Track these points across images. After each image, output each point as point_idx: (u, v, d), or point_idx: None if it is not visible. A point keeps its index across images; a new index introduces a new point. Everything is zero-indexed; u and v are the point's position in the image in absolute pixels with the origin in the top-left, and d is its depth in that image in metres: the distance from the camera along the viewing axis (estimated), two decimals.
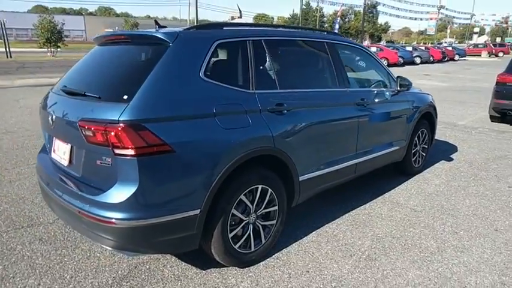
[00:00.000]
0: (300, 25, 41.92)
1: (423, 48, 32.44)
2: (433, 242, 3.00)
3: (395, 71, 5.34)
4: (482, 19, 73.34)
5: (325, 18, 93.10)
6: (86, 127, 2.08)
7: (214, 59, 2.41)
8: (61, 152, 2.49)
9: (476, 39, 69.59)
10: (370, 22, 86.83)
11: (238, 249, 2.51)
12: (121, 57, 2.63)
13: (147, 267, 2.60)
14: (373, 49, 25.28)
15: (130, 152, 1.97)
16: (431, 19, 50.60)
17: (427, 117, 4.55)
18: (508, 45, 46.68)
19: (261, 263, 2.66)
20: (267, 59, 2.70)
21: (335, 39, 3.41)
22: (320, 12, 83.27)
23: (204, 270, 2.56)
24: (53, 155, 2.62)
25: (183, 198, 2.17)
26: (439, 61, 31.38)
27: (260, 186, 2.54)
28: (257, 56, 2.63)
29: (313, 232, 3.12)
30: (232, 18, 28.05)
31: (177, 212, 2.14)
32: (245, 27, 2.88)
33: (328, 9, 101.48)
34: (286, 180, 2.75)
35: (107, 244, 2.16)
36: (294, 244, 2.92)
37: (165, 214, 2.10)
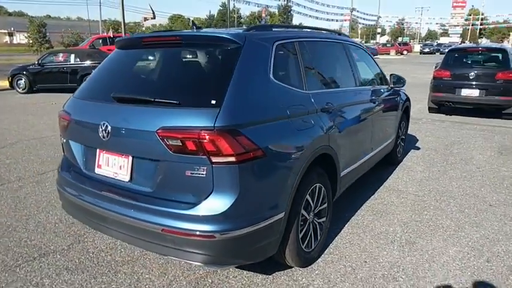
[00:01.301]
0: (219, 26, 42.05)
1: None
2: (449, 221, 3.37)
3: None
4: (387, 20, 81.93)
5: (242, 19, 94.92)
6: (172, 136, 1.94)
7: (275, 61, 2.41)
8: (115, 166, 2.26)
9: (378, 39, 77.52)
10: (285, 23, 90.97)
11: (304, 249, 2.55)
12: (181, 60, 2.51)
13: (210, 281, 2.49)
14: None
15: (231, 159, 1.90)
16: (345, 20, 55.21)
17: (406, 111, 5.05)
18: (410, 44, 53.20)
19: (319, 260, 2.73)
20: (311, 60, 2.78)
21: (347, 40, 3.64)
22: (237, 13, 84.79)
23: (269, 275, 2.54)
24: (98, 171, 2.35)
25: (272, 202, 2.16)
26: None
27: (318, 185, 2.61)
28: (304, 56, 2.69)
29: (346, 224, 3.28)
30: (145, 19, 26.70)
31: (269, 217, 2.12)
32: (285, 28, 2.93)
33: (245, 11, 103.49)
34: (332, 177, 2.86)
35: (197, 260, 2.05)
36: (336, 238, 3.05)
37: (260, 220, 2.06)
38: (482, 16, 75.95)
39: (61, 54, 12.90)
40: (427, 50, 51.11)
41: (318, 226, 2.72)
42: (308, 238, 2.59)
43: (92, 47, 16.56)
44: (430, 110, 8.89)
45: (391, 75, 4.36)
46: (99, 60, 12.13)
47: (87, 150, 2.45)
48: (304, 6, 49.69)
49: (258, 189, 2.07)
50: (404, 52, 48.48)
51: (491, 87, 7.78)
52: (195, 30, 2.64)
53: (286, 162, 2.22)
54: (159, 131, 1.97)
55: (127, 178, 2.22)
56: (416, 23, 77.69)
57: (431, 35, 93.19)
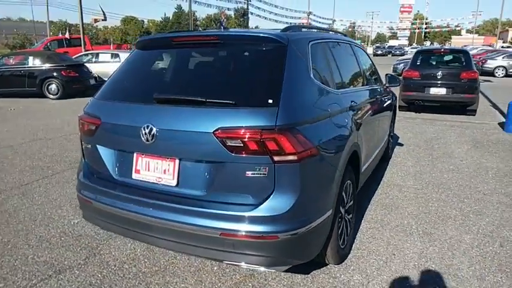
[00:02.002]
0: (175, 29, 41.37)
1: None
2: (454, 211, 3.57)
3: None
4: (341, 24, 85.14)
5: (198, 22, 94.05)
6: (231, 136, 1.89)
7: (312, 60, 2.40)
8: (158, 171, 2.15)
9: None
10: (242, 26, 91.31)
11: (341, 246, 2.57)
12: (224, 60, 2.47)
13: (250, 285, 2.43)
14: None
15: (293, 157, 1.89)
16: (303, 23, 56.51)
17: (394, 109, 5.28)
18: (364, 47, 55.50)
19: (350, 256, 2.77)
20: (334, 60, 2.83)
21: (352, 41, 3.74)
22: (194, 15, 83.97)
23: (308, 274, 2.54)
24: (136, 176, 2.23)
25: (324, 200, 2.16)
26: None
27: (348, 181, 2.66)
28: (329, 56, 2.74)
29: (362, 220, 3.36)
30: (95, 20, 25.49)
31: (322, 215, 2.13)
32: (309, 29, 2.96)
33: (200, 13, 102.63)
34: (356, 173, 2.92)
35: (257, 263, 2.01)
36: (358, 234, 3.11)
37: (316, 218, 2.07)
38: (427, 21, 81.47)
39: (13, 57, 12.02)
40: (379, 52, 53.83)
41: (348, 222, 2.76)
42: (343, 235, 2.63)
43: (46, 48, 15.60)
44: (400, 108, 9.32)
45: (386, 75, 4.54)
46: (60, 63, 11.48)
47: (120, 155, 2.31)
48: (264, 10, 49.85)
49: (314, 187, 2.07)
50: None
51: (457, 86, 8.35)
52: (233, 30, 2.60)
53: (333, 160, 2.25)
54: (217, 132, 1.92)
55: (174, 182, 2.13)
56: (369, 26, 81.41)
57: (380, 38, 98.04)
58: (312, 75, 2.29)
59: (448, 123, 7.84)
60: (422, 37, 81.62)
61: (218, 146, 1.93)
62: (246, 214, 1.93)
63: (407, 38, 72.45)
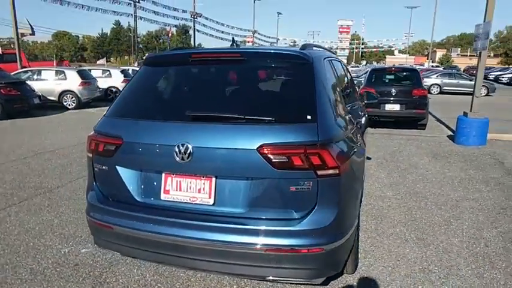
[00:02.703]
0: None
1: None
2: (437, 217, 3.92)
3: None
4: (284, 43, 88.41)
5: (139, 39, 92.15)
6: (276, 152, 1.96)
7: (328, 76, 2.55)
8: (191, 190, 2.14)
9: None
10: (184, 43, 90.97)
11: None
12: (251, 76, 2.50)
13: None
14: None
15: (334, 171, 1.99)
16: (248, 42, 57.96)
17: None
18: None
19: (360, 265, 2.92)
20: (336, 76, 3.04)
21: (340, 59, 4.02)
22: (133, 32, 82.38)
23: (326, 285, 2.65)
24: (166, 197, 2.19)
25: (354, 211, 2.31)
26: None
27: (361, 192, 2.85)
28: (335, 73, 2.94)
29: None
30: (22, 34, 23.94)
31: (353, 225, 2.26)
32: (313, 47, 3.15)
33: (141, 30, 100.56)
34: None
35: (301, 276, 2.10)
36: (359, 244, 3.30)
37: (349, 229, 2.20)
38: (363, 41, 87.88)
39: None
40: None
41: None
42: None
43: None
44: None
45: (365, 92, 4.91)
46: None
47: (146, 175, 2.25)
48: (211, 27, 50.33)
49: (348, 199, 2.20)
50: None
51: (409, 102, 9.15)
52: (254, 47, 2.69)
53: (358, 173, 2.43)
54: (260, 148, 1.97)
55: (211, 201, 2.12)
56: None
57: None
58: (332, 92, 2.46)
59: (404, 137, 8.52)
60: (360, 56, 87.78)
61: (261, 162, 1.97)
62: (292, 228, 1.99)
63: (346, 57, 77.48)
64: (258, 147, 1.98)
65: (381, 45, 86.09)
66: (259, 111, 2.15)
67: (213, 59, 2.53)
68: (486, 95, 20.85)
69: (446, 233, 3.54)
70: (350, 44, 78.70)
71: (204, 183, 2.12)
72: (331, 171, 1.99)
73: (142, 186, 2.26)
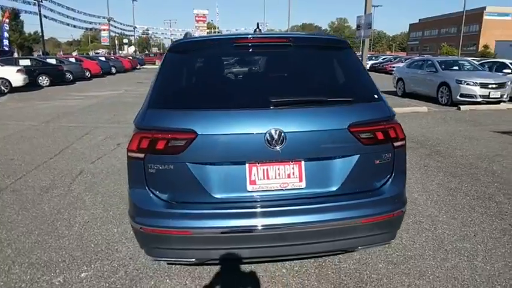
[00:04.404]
0: None
1: (114, 58, 33.58)
2: (423, 218, 4.45)
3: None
4: (138, 31, 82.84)
5: None
6: (364, 130, 2.11)
7: None
8: (281, 176, 2.11)
9: (127, 50, 78.31)
10: (16, 31, 77.18)
11: None
12: (307, 61, 2.52)
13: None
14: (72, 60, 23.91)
15: (403, 142, 2.24)
16: (104, 30, 52.33)
17: None
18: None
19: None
20: None
21: None
22: None
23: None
24: (252, 188, 2.09)
25: None
26: (129, 70, 33.78)
27: None
28: None
29: None
30: None
31: None
32: None
33: None
34: None
35: (385, 240, 2.35)
36: None
37: None
38: (218, 30, 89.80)
39: None
40: None
41: None
42: None
43: None
44: None
45: None
46: None
47: (225, 169, 2.10)
48: (60, 13, 43.42)
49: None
50: None
51: None
52: (297, 33, 2.71)
53: None
54: (351, 127, 2.08)
55: (302, 184, 2.13)
56: (163, 33, 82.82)
57: None
58: None
59: None
60: None
61: (352, 140, 2.09)
62: (381, 197, 2.17)
63: None
64: (348, 126, 2.09)
65: None
66: (336, 93, 2.29)
67: (260, 44, 2.41)
68: None
69: (435, 225, 4.06)
70: (208, 33, 79.69)
71: (293, 168, 2.12)
72: (401, 143, 2.24)
73: (222, 181, 2.07)
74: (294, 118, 2.08)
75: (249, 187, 2.09)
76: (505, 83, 11.38)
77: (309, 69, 2.54)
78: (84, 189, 4.44)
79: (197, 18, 74.47)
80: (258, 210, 2.07)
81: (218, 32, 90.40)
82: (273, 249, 2.16)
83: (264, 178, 2.10)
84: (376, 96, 2.29)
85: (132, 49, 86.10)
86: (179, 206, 2.08)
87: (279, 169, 2.11)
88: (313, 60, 2.53)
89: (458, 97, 11.17)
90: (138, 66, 39.01)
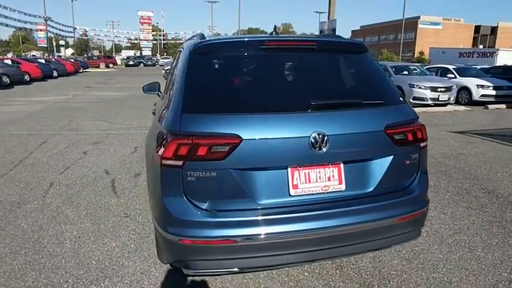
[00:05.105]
0: None
1: (55, 60, 31.41)
2: None
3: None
4: (77, 32, 78.11)
5: None
6: (398, 131, 2.21)
7: None
8: (321, 180, 2.12)
9: (64, 52, 73.85)
10: None
11: None
12: (333, 63, 2.61)
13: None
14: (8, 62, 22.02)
15: (426, 142, 2.37)
16: (40, 30, 48.57)
17: None
18: (114, 57, 54.69)
19: None
20: None
21: None
22: None
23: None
24: (295, 192, 2.08)
25: None
26: (72, 73, 31.83)
27: None
28: None
29: None
30: None
31: None
32: None
33: None
34: None
35: (413, 237, 2.44)
36: None
37: None
38: (164, 33, 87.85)
39: None
40: (131, 62, 54.19)
41: None
42: None
43: None
44: None
45: None
46: None
47: (268, 174, 2.07)
48: None
49: None
50: (110, 65, 49.27)
51: None
52: (317, 36, 2.77)
53: None
54: (387, 128, 2.17)
55: (342, 187, 2.15)
56: (106, 35, 79.11)
57: (117, 48, 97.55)
58: None
59: None
60: (162, 48, 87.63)
61: (387, 142, 2.18)
62: (411, 196, 2.28)
63: (151, 49, 75.86)
64: (384, 128, 2.17)
65: (179, 38, 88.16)
66: (368, 96, 2.35)
67: (287, 47, 2.43)
68: None
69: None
70: (153, 35, 77.60)
71: (332, 171, 2.14)
72: (425, 143, 2.38)
73: (265, 187, 2.04)
74: (334, 121, 2.12)
75: (292, 191, 2.08)
76: (451, 86, 12.44)
77: (336, 72, 2.62)
78: (61, 202, 4.11)
79: (141, 21, 72.37)
80: (302, 214, 2.06)
81: (164, 35, 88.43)
82: (314, 253, 2.16)
83: (305, 182, 2.10)
84: (401, 99, 2.42)
85: (69, 51, 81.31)
86: (222, 215, 2.01)
87: (319, 172, 2.12)
88: (339, 63, 2.61)
89: (411, 100, 11.97)
90: (81, 70, 36.91)
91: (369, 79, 2.53)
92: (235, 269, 2.16)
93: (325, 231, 2.06)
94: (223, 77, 2.41)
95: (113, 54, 65.58)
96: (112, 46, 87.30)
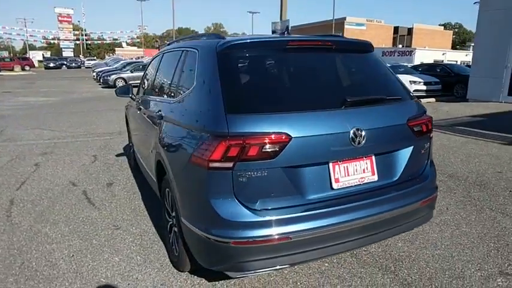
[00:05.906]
0: None
1: None
2: None
3: None
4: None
5: None
6: (417, 123, 2.45)
7: None
8: (358, 172, 2.27)
9: None
10: None
11: None
12: (349, 62, 2.80)
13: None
14: None
15: (430, 134, 2.60)
16: None
17: None
18: (31, 59, 50.11)
19: None
20: None
21: None
22: None
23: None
24: (337, 185, 2.20)
25: None
26: None
27: None
28: None
29: None
30: None
31: None
32: None
33: None
34: None
35: (428, 219, 2.66)
36: None
37: None
38: (86, 32, 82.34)
39: None
40: (52, 64, 50.11)
41: None
42: None
43: None
44: None
45: None
46: None
47: (313, 170, 2.15)
48: None
49: None
50: (27, 67, 45.05)
51: None
52: (333, 35, 3.18)
53: None
54: (409, 121, 2.41)
55: (375, 178, 2.32)
56: (18, 34, 71.91)
57: (30, 49, 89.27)
58: None
59: None
60: (85, 48, 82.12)
61: (409, 133, 2.41)
62: (428, 180, 2.55)
63: (72, 50, 70.47)
64: (407, 121, 2.41)
65: (102, 38, 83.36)
66: (388, 92, 2.54)
67: (309, 47, 2.54)
68: None
69: None
70: (75, 35, 72.37)
71: (366, 163, 2.30)
72: (432, 134, 2.64)
73: (311, 182, 2.14)
74: (368, 116, 2.29)
75: (334, 185, 2.20)
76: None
77: (355, 70, 2.81)
78: (33, 220, 3.73)
79: (60, 18, 66.94)
80: (344, 206, 2.17)
81: (86, 35, 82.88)
82: (358, 241, 2.30)
83: (345, 175, 2.23)
84: (412, 94, 2.68)
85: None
86: (274, 213, 2.03)
87: (356, 165, 2.26)
88: (356, 61, 2.78)
89: None
90: None
91: (382, 76, 2.70)
92: (287, 266, 2.20)
93: (365, 219, 2.19)
94: (258, 77, 2.43)
95: (28, 55, 59.86)
96: (25, 46, 79.59)
